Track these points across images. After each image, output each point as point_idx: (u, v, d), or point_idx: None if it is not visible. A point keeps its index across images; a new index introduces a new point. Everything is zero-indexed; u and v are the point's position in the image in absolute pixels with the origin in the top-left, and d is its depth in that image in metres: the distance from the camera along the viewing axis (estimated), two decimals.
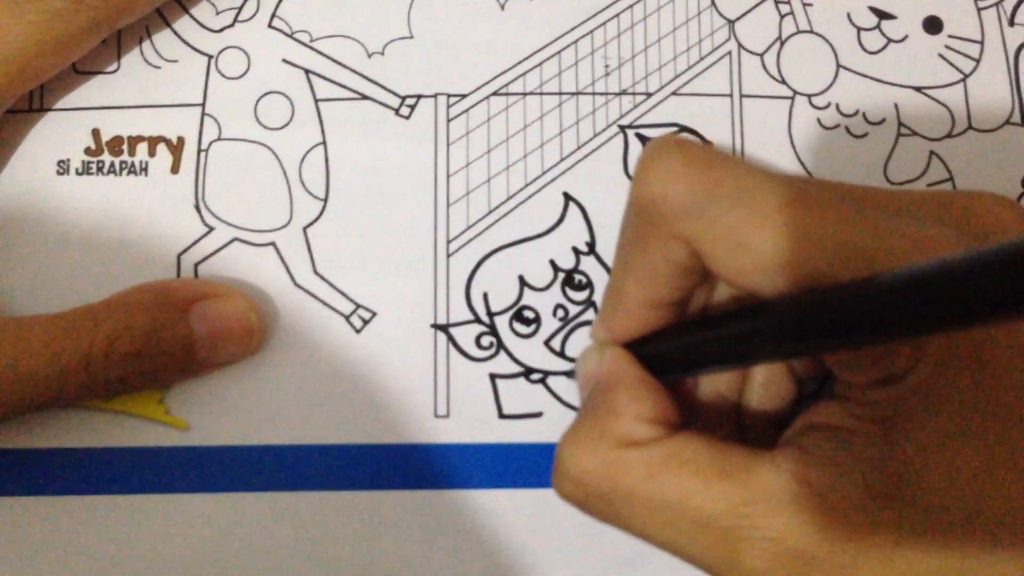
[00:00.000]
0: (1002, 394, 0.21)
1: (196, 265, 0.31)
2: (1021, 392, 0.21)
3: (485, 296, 0.32)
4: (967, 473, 0.21)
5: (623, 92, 0.33)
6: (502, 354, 0.32)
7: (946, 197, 0.24)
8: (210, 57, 0.33)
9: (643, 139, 0.33)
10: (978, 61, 0.34)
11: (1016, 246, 0.15)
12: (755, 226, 0.21)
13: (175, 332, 0.29)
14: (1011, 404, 0.21)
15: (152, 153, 0.32)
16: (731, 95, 0.33)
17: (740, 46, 0.34)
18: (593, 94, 0.33)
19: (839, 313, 0.19)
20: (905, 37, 0.34)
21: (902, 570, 0.21)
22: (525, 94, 0.33)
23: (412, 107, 0.33)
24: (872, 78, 0.33)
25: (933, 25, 0.34)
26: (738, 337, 0.22)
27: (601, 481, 0.23)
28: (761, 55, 0.34)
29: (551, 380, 0.31)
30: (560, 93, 0.33)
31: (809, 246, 0.20)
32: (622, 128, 0.33)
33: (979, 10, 0.34)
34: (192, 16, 0.33)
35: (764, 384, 0.26)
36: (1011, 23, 0.34)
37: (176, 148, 0.32)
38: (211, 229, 0.32)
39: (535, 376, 0.31)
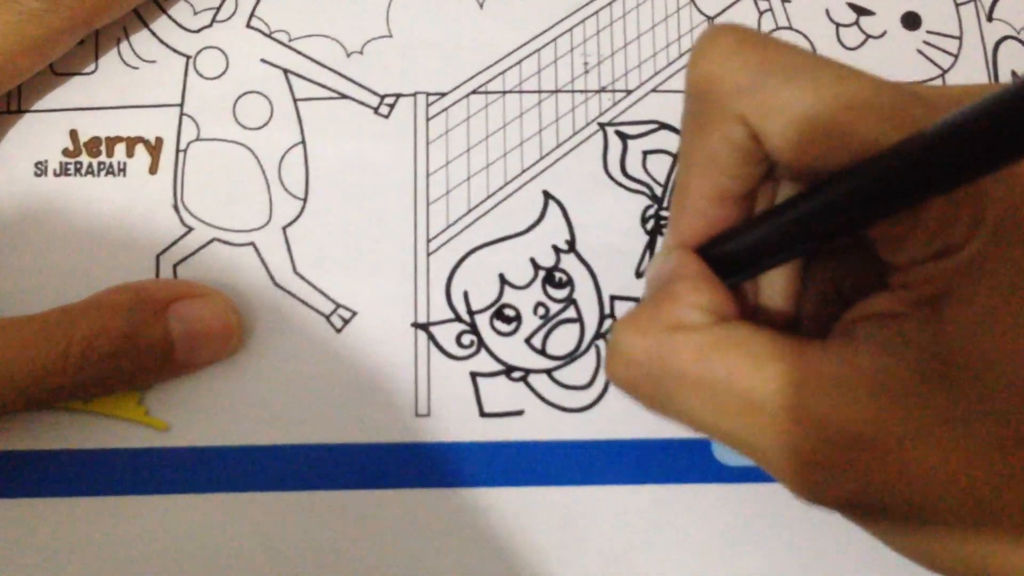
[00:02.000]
0: None
1: (175, 266, 0.31)
2: None
3: (465, 294, 0.32)
4: (1015, 352, 0.20)
5: (602, 89, 0.33)
6: (483, 352, 0.31)
7: (988, 87, 0.24)
8: (188, 57, 0.33)
9: (622, 136, 0.33)
10: (956, 56, 0.34)
11: None
12: (811, 100, 0.21)
13: (153, 333, 0.29)
14: None
15: (130, 154, 0.32)
16: None
17: None
18: (572, 92, 0.33)
19: (902, 170, 0.19)
20: (884, 33, 0.34)
21: (952, 449, 0.20)
22: (504, 92, 0.33)
23: (391, 106, 0.33)
24: None
25: (911, 21, 0.34)
26: (804, 217, 0.22)
27: (652, 363, 0.22)
28: None
29: (532, 378, 0.31)
30: (539, 91, 0.33)
31: (866, 115, 0.20)
32: (601, 126, 0.33)
33: (957, 6, 0.34)
34: (170, 16, 0.33)
35: (816, 298, 0.26)
36: (989, 18, 0.34)
37: (154, 149, 0.32)
38: (190, 229, 0.31)
39: (516, 374, 0.31)
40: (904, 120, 0.20)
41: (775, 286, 0.26)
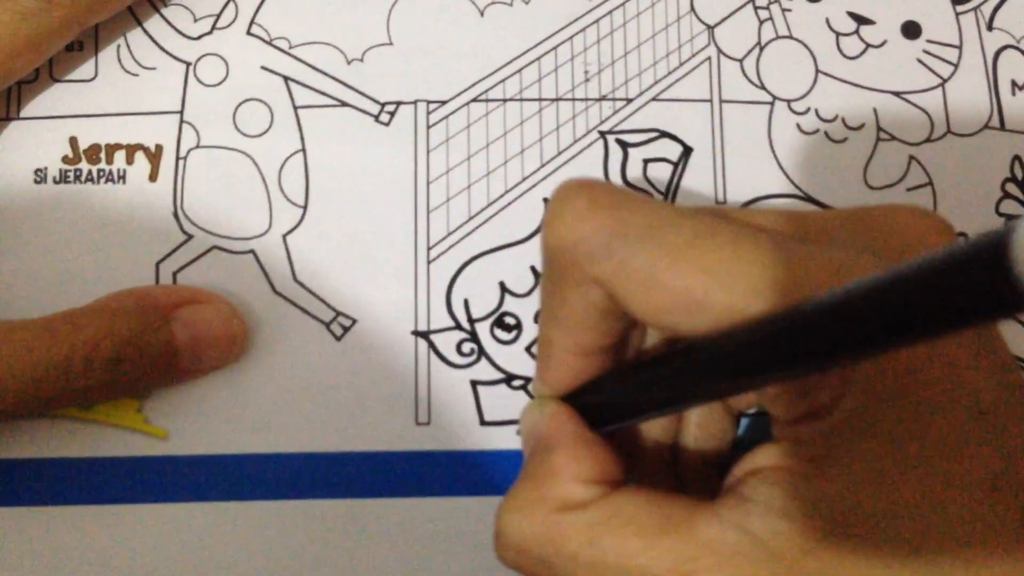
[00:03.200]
0: (934, 420, 0.20)
1: (175, 273, 0.31)
2: (953, 417, 0.20)
3: (466, 302, 0.32)
4: (908, 504, 0.20)
5: (603, 98, 0.33)
6: (483, 361, 0.31)
7: (864, 214, 0.24)
8: (188, 64, 0.32)
9: (623, 145, 0.33)
10: (956, 66, 0.34)
11: (923, 264, 0.14)
12: (665, 265, 0.21)
13: (156, 338, 0.29)
14: (944, 430, 0.20)
15: (130, 161, 0.32)
16: (711, 100, 0.33)
17: (720, 51, 0.34)
18: (573, 100, 0.33)
19: (758, 348, 0.19)
20: (884, 42, 0.34)
21: None
22: (505, 100, 0.33)
23: (392, 114, 0.33)
24: (851, 83, 0.34)
25: (911, 30, 0.34)
26: (667, 381, 0.22)
27: (542, 547, 0.22)
28: (740, 60, 0.34)
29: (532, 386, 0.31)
30: (540, 99, 0.33)
31: (722, 282, 0.20)
32: (602, 134, 0.33)
33: (957, 15, 0.34)
34: (170, 23, 0.33)
35: (700, 425, 0.26)
36: (989, 28, 0.34)
37: (154, 156, 0.32)
38: (190, 237, 0.31)
39: (516, 382, 0.31)
40: (764, 288, 0.20)
41: (654, 423, 0.26)
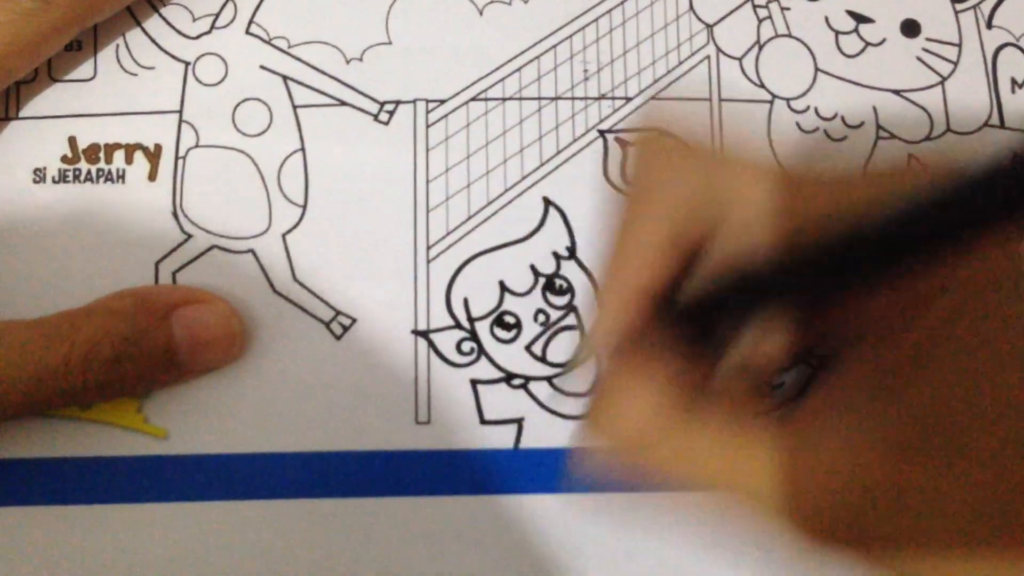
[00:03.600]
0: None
1: (174, 273, 0.31)
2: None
3: (466, 301, 0.32)
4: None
5: (602, 96, 0.33)
6: (483, 360, 0.31)
7: None
8: (187, 64, 0.32)
9: (623, 143, 0.33)
10: (956, 64, 0.34)
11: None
12: (744, 191, 0.22)
13: (155, 338, 0.29)
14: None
15: (129, 160, 0.32)
16: (710, 99, 0.33)
17: (719, 50, 0.34)
18: (572, 99, 0.33)
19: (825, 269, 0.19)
20: (883, 40, 0.34)
21: None
22: (504, 99, 0.33)
23: (391, 113, 0.32)
24: (850, 81, 0.33)
25: (911, 28, 0.34)
26: (732, 308, 0.22)
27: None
28: (740, 59, 0.34)
29: (532, 385, 0.31)
30: (539, 98, 0.33)
31: (795, 208, 0.21)
32: (601, 132, 0.33)
33: (957, 13, 0.34)
34: (169, 23, 0.33)
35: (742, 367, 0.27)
36: (989, 25, 0.34)
37: (153, 155, 0.32)
38: (189, 236, 0.31)
39: (516, 381, 0.31)
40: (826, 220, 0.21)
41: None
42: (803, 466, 0.22)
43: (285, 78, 0.33)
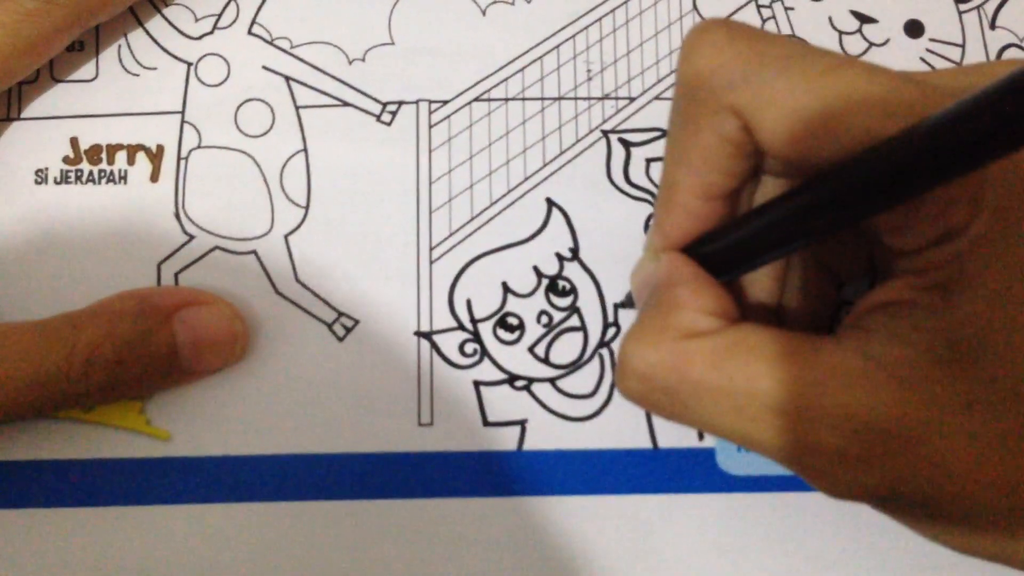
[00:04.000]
0: None
1: (176, 274, 0.31)
2: None
3: (468, 303, 0.32)
4: None
5: (605, 97, 0.33)
6: (486, 361, 0.31)
7: (982, 64, 0.24)
8: (189, 64, 0.32)
9: (626, 144, 0.33)
10: (959, 64, 0.34)
11: None
12: (804, 90, 0.21)
13: (158, 339, 0.29)
14: None
15: (131, 161, 0.32)
16: None
17: None
18: (575, 99, 0.33)
19: (902, 163, 0.19)
20: (887, 41, 0.34)
21: (975, 434, 0.20)
22: (507, 99, 0.33)
23: (393, 113, 0.32)
24: None
25: (914, 29, 0.34)
26: (806, 209, 0.22)
27: (667, 374, 0.22)
28: None
29: (535, 387, 0.31)
30: (542, 98, 0.33)
31: (858, 105, 0.20)
32: (604, 133, 0.33)
33: (960, 13, 0.34)
34: (171, 23, 0.33)
35: (802, 288, 0.26)
36: (992, 26, 0.34)
37: (156, 156, 0.32)
38: (191, 238, 0.31)
39: (519, 383, 0.31)
40: (899, 109, 0.20)
41: (758, 284, 0.26)
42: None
43: (287, 79, 0.32)
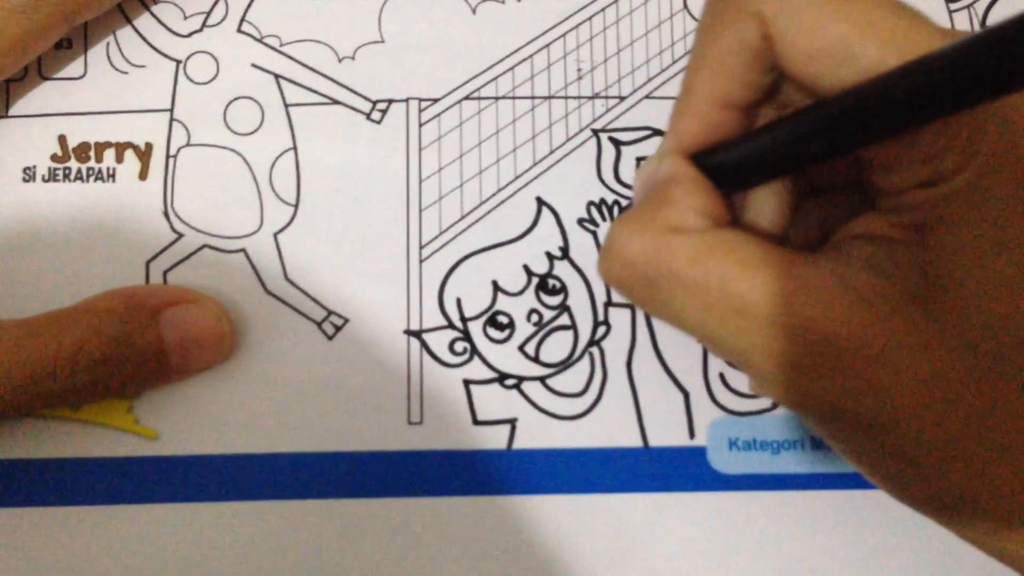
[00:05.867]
0: None
1: (165, 272, 0.31)
2: None
3: (458, 301, 0.32)
4: (1002, 282, 0.21)
5: (596, 96, 0.33)
6: (476, 360, 0.31)
7: None
8: (178, 62, 0.32)
9: (616, 143, 0.33)
10: None
11: None
12: (829, 11, 0.21)
13: (145, 338, 0.28)
14: None
15: (120, 159, 0.31)
16: None
17: None
18: (566, 98, 0.33)
19: (905, 91, 0.19)
20: None
21: (929, 371, 0.21)
22: (497, 98, 0.33)
23: (383, 112, 0.32)
24: None
25: None
26: (808, 129, 0.22)
27: (648, 263, 0.23)
28: None
29: (525, 386, 0.31)
30: (532, 97, 0.33)
31: (878, 36, 0.21)
32: (595, 132, 0.33)
33: (951, 12, 0.34)
34: (160, 21, 0.32)
35: (803, 216, 0.27)
36: (983, 25, 0.34)
37: (144, 154, 0.32)
38: (180, 236, 0.31)
39: (509, 382, 0.31)
40: (913, 42, 0.21)
41: (763, 210, 0.26)
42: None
43: (277, 76, 0.32)
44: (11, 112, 0.32)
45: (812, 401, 0.22)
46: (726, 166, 0.24)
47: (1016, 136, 0.21)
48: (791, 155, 0.22)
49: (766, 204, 0.26)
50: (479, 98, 0.33)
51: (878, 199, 0.23)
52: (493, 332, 0.31)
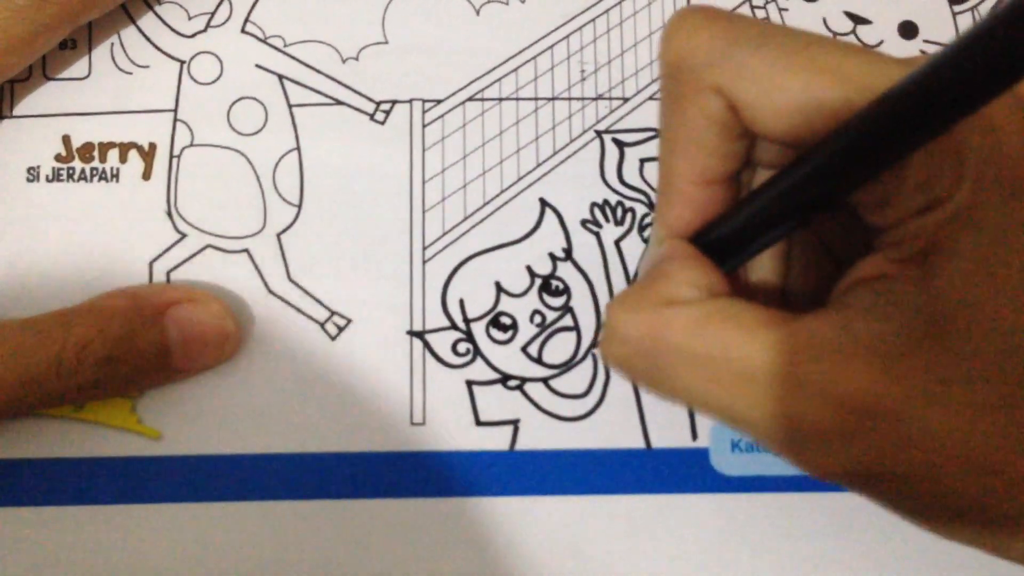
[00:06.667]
0: None
1: (168, 272, 0.31)
2: None
3: (461, 302, 0.32)
4: (1008, 297, 0.20)
5: (599, 97, 0.33)
6: (479, 361, 0.31)
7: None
8: (182, 62, 0.32)
9: (619, 144, 0.33)
10: None
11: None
12: (783, 66, 0.21)
13: (149, 337, 0.29)
14: None
15: (123, 159, 0.32)
16: None
17: None
18: (569, 99, 0.33)
19: (877, 130, 0.19)
20: (880, 42, 0.34)
21: (952, 410, 0.20)
22: (501, 99, 0.33)
23: (387, 112, 0.32)
24: None
25: (908, 30, 0.34)
26: (791, 188, 0.22)
27: (645, 338, 0.22)
28: None
29: (528, 387, 0.31)
30: (536, 98, 0.33)
31: (837, 79, 0.21)
32: (598, 133, 0.33)
33: (954, 15, 0.34)
34: (164, 21, 0.33)
35: (805, 270, 0.26)
36: None
37: (148, 154, 0.32)
38: (183, 236, 0.31)
39: (512, 383, 0.31)
40: (873, 77, 0.20)
41: (763, 264, 0.26)
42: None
43: (281, 77, 0.32)
44: (15, 112, 0.32)
45: (837, 467, 0.21)
46: (722, 243, 0.24)
47: (1000, 138, 0.21)
48: (783, 217, 0.22)
49: (763, 259, 0.26)
50: (483, 99, 0.33)
51: (877, 239, 0.22)
52: (496, 333, 0.32)
